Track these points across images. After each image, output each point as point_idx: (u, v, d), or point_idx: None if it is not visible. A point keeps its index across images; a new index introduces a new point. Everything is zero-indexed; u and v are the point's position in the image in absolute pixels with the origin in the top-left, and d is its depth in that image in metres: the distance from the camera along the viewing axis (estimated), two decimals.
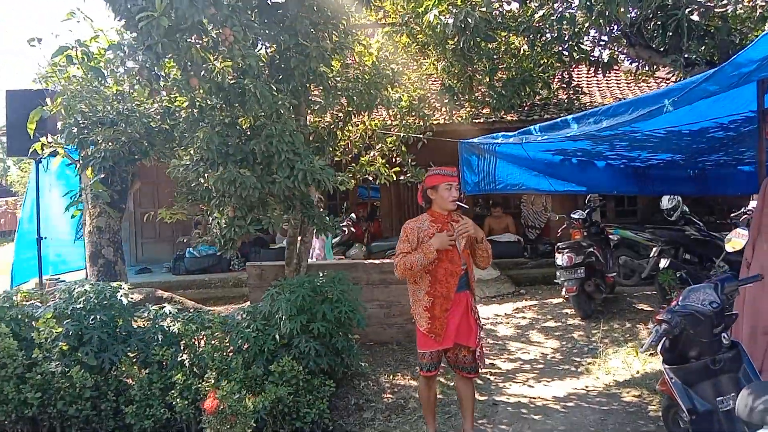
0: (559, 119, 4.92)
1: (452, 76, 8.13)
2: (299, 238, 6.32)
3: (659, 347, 3.56)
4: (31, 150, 6.36)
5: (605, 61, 9.42)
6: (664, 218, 8.90)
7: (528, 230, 12.59)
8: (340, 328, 5.25)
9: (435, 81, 8.66)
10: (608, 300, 8.37)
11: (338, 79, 5.63)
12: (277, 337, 5.12)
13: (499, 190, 6.37)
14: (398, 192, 13.22)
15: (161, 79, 4.39)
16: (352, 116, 5.83)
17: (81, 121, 5.86)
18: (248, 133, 5.07)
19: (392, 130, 7.27)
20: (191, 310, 5.64)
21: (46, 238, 8.52)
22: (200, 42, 4.40)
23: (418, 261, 4.06)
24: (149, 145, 6.07)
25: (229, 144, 4.96)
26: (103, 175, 6.35)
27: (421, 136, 7.01)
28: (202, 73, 4.32)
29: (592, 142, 5.50)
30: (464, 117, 9.51)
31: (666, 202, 8.76)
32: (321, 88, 5.45)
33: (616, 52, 9.83)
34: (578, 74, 12.23)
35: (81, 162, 6.22)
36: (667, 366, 3.60)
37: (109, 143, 5.90)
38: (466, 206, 4.33)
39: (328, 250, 9.21)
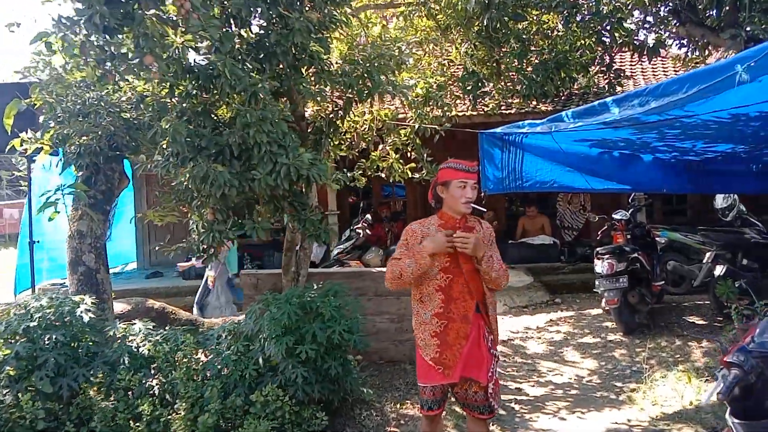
0: (596, 102, 4.06)
1: (477, 62, 7.28)
2: (298, 244, 5.58)
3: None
4: (8, 146, 5.81)
5: (651, 45, 8.42)
6: (717, 219, 7.91)
7: (564, 231, 11.64)
8: (335, 351, 4.49)
9: (459, 68, 7.81)
10: (655, 311, 7.41)
11: (337, 61, 4.86)
12: (260, 361, 4.40)
13: (526, 188, 5.50)
14: (425, 190, 12.41)
15: (115, 58, 3.69)
16: (354, 104, 5.05)
17: (59, 114, 5.25)
18: (226, 122, 4.34)
19: (407, 121, 6.47)
20: (163, 328, 4.95)
21: (38, 241, 7.98)
22: (158, 13, 3.67)
23: (408, 268, 3.29)
24: (131, 139, 5.42)
25: (202, 135, 4.24)
26: (81, 173, 5.74)
27: (437, 127, 6.19)
28: (160, 49, 3.59)
29: (637, 130, 4.61)
30: (491, 107, 8.61)
31: (720, 200, 7.75)
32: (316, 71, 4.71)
33: (663, 36, 8.83)
34: (621, 61, 11.21)
35: (63, 159, 5.64)
36: (736, 420, 2.73)
37: (83, 137, 5.26)
38: (484, 209, 3.50)
39: (230, 263, 8.44)
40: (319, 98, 4.65)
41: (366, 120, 6.08)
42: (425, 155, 6.40)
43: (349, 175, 6.82)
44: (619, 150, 5.46)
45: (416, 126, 6.25)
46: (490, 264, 3.31)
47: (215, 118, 4.41)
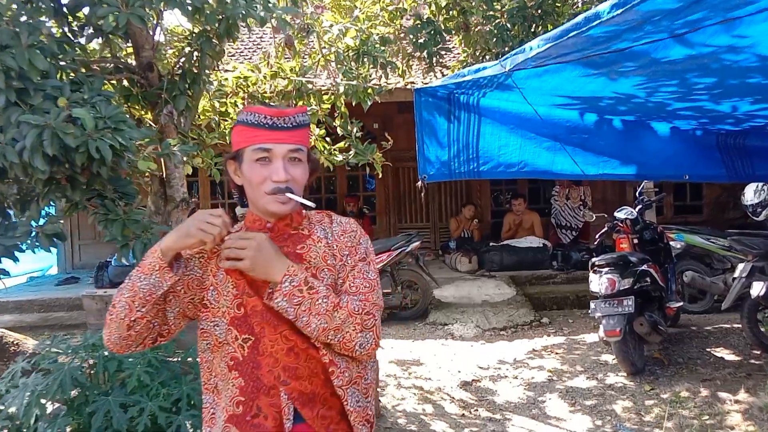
0: (583, 15, 2.30)
1: (436, 8, 5.50)
2: None
3: None
4: None
5: None
6: (739, 218, 6.19)
7: (561, 232, 9.82)
8: None
9: (409, 19, 6.06)
10: (670, 340, 5.67)
11: None
12: None
13: (484, 173, 3.72)
14: (398, 180, 10.74)
15: None
16: (212, 42, 3.31)
17: None
18: None
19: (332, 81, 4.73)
20: None
21: None
22: None
23: (122, 292, 1.55)
24: None
25: None
26: None
27: (369, 90, 4.44)
28: None
29: (647, 78, 2.85)
30: (456, 68, 6.81)
31: (751, 194, 6.01)
32: None
33: None
34: None
35: None
36: None
37: None
38: (312, 204, 1.70)
39: None
40: (140, 27, 2.89)
41: (265, 76, 4.33)
42: (355, 129, 4.64)
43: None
44: (621, 117, 3.71)
45: (341, 89, 4.49)
46: (294, 300, 1.55)
47: None
